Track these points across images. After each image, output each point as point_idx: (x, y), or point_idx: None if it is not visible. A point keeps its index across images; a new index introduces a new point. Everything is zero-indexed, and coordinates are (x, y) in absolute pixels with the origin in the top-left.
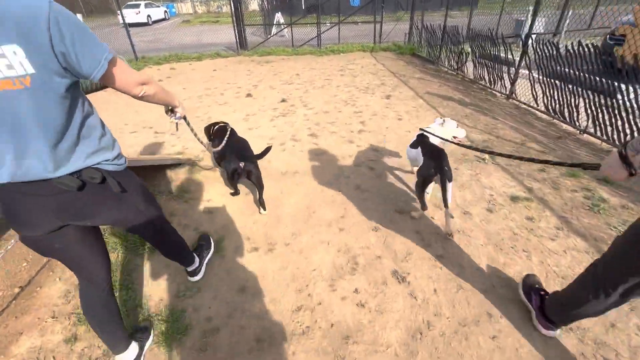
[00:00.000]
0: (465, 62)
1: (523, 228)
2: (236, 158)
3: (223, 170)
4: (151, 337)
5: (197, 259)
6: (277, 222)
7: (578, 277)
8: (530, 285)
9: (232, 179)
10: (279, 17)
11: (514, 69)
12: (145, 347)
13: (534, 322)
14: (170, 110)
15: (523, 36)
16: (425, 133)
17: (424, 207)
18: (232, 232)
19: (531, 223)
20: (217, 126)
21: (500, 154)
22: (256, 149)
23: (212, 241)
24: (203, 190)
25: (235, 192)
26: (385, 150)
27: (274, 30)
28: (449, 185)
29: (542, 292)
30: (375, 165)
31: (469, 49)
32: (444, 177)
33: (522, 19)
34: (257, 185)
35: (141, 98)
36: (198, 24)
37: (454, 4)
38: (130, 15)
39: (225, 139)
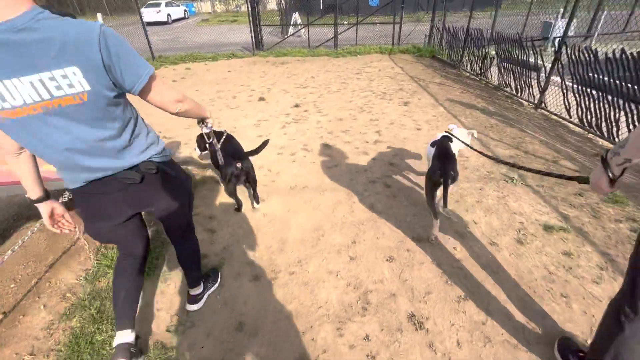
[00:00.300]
0: (490, 67)
1: (560, 266)
2: (231, 159)
3: (222, 180)
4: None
5: (202, 285)
6: (282, 245)
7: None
8: (567, 347)
9: (229, 184)
10: (296, 17)
11: (543, 75)
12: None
13: None
14: (202, 121)
15: (555, 40)
16: (450, 136)
17: (435, 215)
18: (233, 255)
19: (569, 260)
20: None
21: (501, 161)
22: (265, 159)
23: (219, 276)
24: (206, 205)
25: (239, 206)
26: (402, 164)
27: (291, 30)
28: (450, 186)
29: (581, 354)
30: (391, 181)
31: (494, 53)
32: (447, 178)
33: (551, 21)
34: (252, 184)
35: (177, 114)
36: (216, 23)
37: (477, 4)
38: (151, 14)
39: (220, 141)
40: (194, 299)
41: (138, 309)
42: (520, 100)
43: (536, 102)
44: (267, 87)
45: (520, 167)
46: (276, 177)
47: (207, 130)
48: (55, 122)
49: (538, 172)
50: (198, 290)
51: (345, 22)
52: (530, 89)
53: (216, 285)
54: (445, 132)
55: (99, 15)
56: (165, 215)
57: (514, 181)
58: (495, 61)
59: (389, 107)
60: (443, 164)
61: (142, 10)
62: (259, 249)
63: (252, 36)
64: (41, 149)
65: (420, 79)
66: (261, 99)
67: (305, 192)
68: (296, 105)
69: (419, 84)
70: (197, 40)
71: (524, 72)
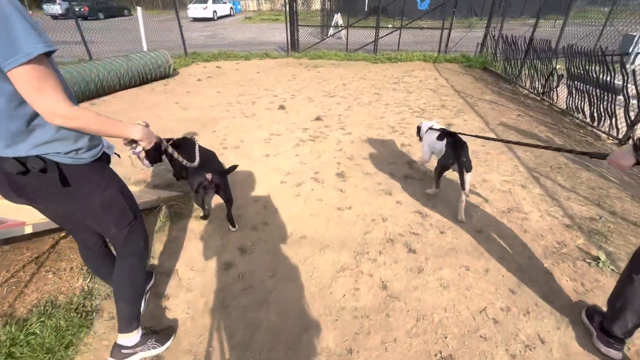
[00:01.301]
0: (557, 86)
1: None
2: (201, 170)
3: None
4: None
5: (137, 335)
6: (249, 341)
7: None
8: (594, 309)
9: (197, 195)
10: (337, 18)
11: (635, 103)
12: None
13: (595, 344)
14: (130, 141)
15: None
16: (444, 129)
17: (437, 186)
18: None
19: None
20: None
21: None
22: (264, 189)
23: (168, 340)
24: (170, 254)
25: (205, 215)
26: (435, 216)
27: (331, 31)
28: (467, 175)
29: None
30: (417, 243)
31: (562, 69)
32: (462, 166)
33: (634, 33)
34: (225, 199)
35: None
36: (259, 21)
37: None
38: (198, 10)
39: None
40: (118, 351)
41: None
42: (598, 132)
43: (621, 137)
44: (292, 94)
45: (525, 144)
46: (271, 217)
47: (134, 154)
48: None
49: (553, 149)
50: (126, 340)
51: (390, 26)
52: (614, 119)
53: (160, 349)
54: (442, 129)
55: (139, 9)
56: (63, 222)
57: (601, 263)
58: (564, 79)
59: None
60: (457, 151)
61: (190, 6)
62: (217, 348)
63: (287, 36)
64: None
65: (467, 95)
66: (281, 107)
67: (300, 246)
68: (318, 118)
69: (465, 101)
70: (236, 37)
71: (605, 96)
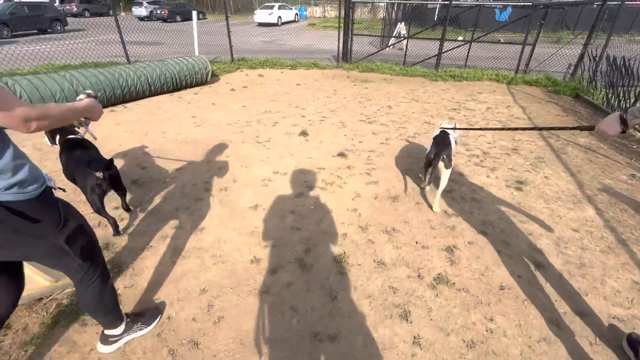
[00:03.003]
0: None
1: None
2: (87, 168)
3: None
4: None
5: (123, 325)
6: None
7: None
8: (636, 339)
9: (93, 196)
10: (400, 27)
11: None
12: None
13: None
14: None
15: None
16: (446, 130)
17: (423, 181)
18: None
19: None
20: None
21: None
22: (228, 259)
23: (154, 321)
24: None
25: (114, 227)
26: None
27: (392, 41)
28: (445, 171)
29: None
30: None
31: None
32: (437, 160)
33: None
34: (119, 190)
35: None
36: (321, 28)
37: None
38: (263, 16)
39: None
40: (105, 339)
41: None
42: None
43: None
44: (324, 115)
45: (516, 129)
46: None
47: (85, 132)
48: None
49: (539, 129)
50: (112, 332)
51: (460, 38)
52: None
53: (147, 329)
54: (441, 127)
55: (194, 12)
56: (32, 261)
57: None
58: None
59: (489, 188)
60: (438, 148)
61: (257, 11)
62: None
63: (338, 46)
64: None
65: (552, 134)
66: (303, 133)
67: None
68: (341, 154)
69: (548, 144)
70: (293, 44)
71: None
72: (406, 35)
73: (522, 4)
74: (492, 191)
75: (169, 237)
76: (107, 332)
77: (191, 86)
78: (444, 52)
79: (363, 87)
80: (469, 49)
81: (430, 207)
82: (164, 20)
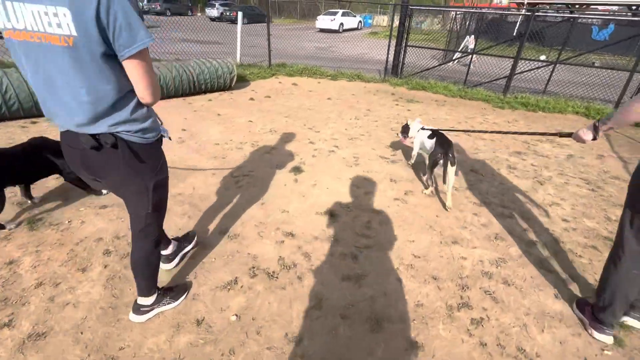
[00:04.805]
0: None
1: None
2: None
3: None
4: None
5: (153, 298)
6: None
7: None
8: (585, 301)
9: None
10: (469, 41)
11: None
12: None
13: (588, 331)
14: None
15: None
16: (434, 130)
17: (431, 182)
18: None
19: None
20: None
21: (473, 131)
22: None
23: (184, 294)
24: None
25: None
26: None
27: (456, 55)
28: (452, 169)
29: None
30: None
31: None
32: (447, 160)
33: None
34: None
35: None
36: (383, 37)
37: None
38: (325, 22)
39: None
40: (137, 309)
41: None
42: None
43: None
44: (337, 145)
45: (499, 132)
46: None
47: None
48: (50, 57)
49: (521, 133)
50: (145, 301)
51: (542, 57)
52: None
53: (174, 304)
54: (430, 129)
55: (240, 13)
56: (118, 195)
57: None
58: None
59: (548, 343)
60: (445, 147)
61: (319, 17)
62: None
63: (387, 58)
64: (30, 78)
65: None
66: (297, 169)
67: None
68: (328, 214)
69: None
70: (347, 52)
71: None
72: (473, 49)
73: (630, 18)
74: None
75: None
76: (140, 300)
77: (212, 91)
78: (517, 73)
79: (405, 108)
80: (552, 71)
81: None
82: (232, 21)
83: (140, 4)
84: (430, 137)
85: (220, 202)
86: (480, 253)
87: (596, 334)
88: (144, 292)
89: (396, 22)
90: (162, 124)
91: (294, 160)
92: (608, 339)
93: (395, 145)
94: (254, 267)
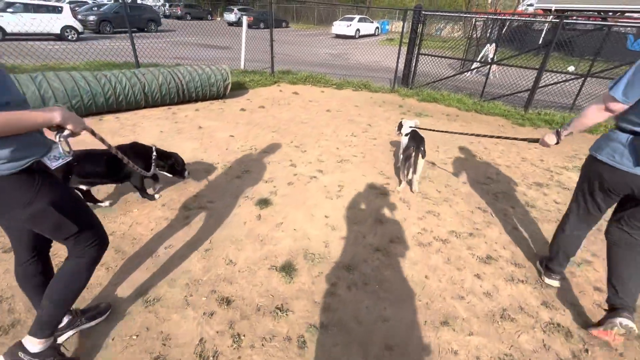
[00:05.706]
0: None
1: None
2: None
3: None
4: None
5: (45, 346)
6: None
7: None
8: (544, 256)
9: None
10: (489, 50)
11: None
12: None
13: (542, 278)
14: (57, 127)
15: None
16: (414, 129)
17: (404, 178)
18: None
19: None
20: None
21: (452, 132)
22: None
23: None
24: None
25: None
26: None
27: (474, 65)
28: (421, 160)
29: None
30: None
31: None
32: (418, 152)
33: None
34: None
35: None
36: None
37: None
38: (342, 27)
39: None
40: (15, 352)
41: None
42: None
43: None
44: (322, 168)
45: (470, 134)
46: None
47: (62, 138)
48: None
49: (490, 136)
50: (33, 345)
51: (571, 68)
52: None
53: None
54: (411, 127)
55: (244, 17)
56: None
57: None
58: None
59: None
60: (415, 142)
61: (335, 23)
62: None
63: (397, 66)
64: None
65: None
66: (263, 202)
67: None
68: (285, 270)
69: None
70: (359, 59)
71: None
72: (492, 59)
73: None
74: None
75: None
76: (26, 342)
77: (203, 99)
78: (541, 87)
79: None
80: (582, 84)
81: None
82: (249, 26)
83: (162, 8)
84: (406, 135)
85: (153, 246)
86: (477, 343)
87: (547, 280)
88: (40, 328)
89: (408, 28)
90: (69, 151)
91: (265, 187)
92: (555, 283)
93: (389, 171)
94: (158, 358)
